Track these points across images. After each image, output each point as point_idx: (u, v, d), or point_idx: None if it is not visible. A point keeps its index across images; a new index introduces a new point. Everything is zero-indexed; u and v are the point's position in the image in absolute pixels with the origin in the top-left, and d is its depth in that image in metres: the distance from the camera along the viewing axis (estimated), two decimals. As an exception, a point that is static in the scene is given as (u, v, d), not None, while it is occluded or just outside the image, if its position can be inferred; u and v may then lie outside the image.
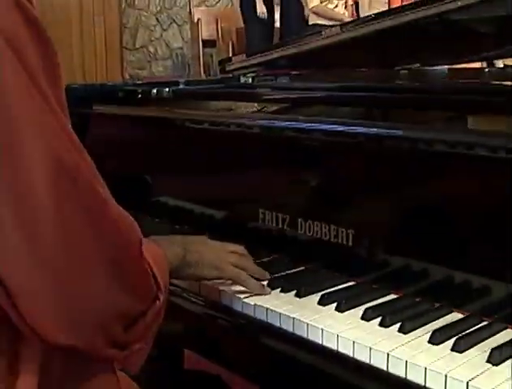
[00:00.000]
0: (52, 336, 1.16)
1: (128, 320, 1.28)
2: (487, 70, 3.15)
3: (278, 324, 1.58)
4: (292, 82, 2.79)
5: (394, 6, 8.39)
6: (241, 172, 2.09)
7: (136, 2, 10.86)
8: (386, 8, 8.33)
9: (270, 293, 1.68)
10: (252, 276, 1.70)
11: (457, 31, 2.24)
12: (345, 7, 8.54)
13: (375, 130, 1.71)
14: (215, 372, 2.04)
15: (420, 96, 2.00)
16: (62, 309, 1.14)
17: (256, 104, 2.19)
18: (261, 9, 8.79)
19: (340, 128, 1.77)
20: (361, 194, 1.80)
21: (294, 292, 1.68)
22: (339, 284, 1.72)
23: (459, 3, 1.85)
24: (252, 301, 1.65)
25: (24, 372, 1.22)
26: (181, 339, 1.98)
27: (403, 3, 8.10)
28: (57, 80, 1.18)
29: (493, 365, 1.28)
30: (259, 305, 1.62)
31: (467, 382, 1.23)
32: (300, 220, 1.86)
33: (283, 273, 1.81)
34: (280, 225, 1.92)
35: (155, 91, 2.47)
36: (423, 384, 1.29)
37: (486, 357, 1.30)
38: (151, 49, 11.25)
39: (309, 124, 1.87)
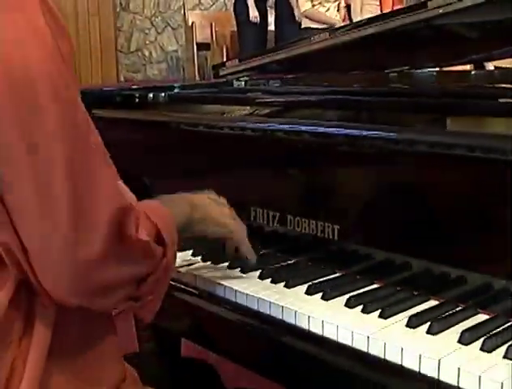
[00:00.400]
0: (66, 299, 1.29)
1: (137, 280, 1.41)
2: (474, 72, 3.25)
3: (268, 312, 1.70)
4: (283, 85, 2.88)
5: (385, 8, 8.46)
6: (234, 172, 2.20)
7: (131, 6, 10.93)
8: (377, 11, 8.42)
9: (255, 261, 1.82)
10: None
11: (444, 35, 2.33)
12: (337, 10, 8.59)
13: (360, 131, 1.82)
14: (211, 359, 2.16)
15: (406, 99, 2.10)
16: (73, 273, 1.27)
17: (248, 108, 2.29)
18: (253, 13, 8.87)
19: (323, 129, 1.89)
20: (346, 191, 1.93)
21: (283, 283, 1.80)
22: (325, 276, 1.84)
23: (442, 10, 1.94)
24: (245, 290, 1.77)
25: (38, 329, 1.34)
26: (178, 329, 2.09)
27: (394, 6, 8.20)
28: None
29: (463, 344, 1.41)
30: (251, 295, 1.75)
31: (439, 360, 1.36)
32: (289, 216, 1.98)
33: (274, 266, 1.93)
34: (271, 222, 2.03)
35: (151, 95, 2.57)
36: (399, 363, 1.41)
37: (457, 338, 1.43)
38: (146, 53, 11.31)
39: (297, 126, 1.99)
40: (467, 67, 3.41)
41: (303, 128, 1.96)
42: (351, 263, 1.85)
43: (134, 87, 2.96)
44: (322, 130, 1.90)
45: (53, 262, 1.25)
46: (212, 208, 1.77)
